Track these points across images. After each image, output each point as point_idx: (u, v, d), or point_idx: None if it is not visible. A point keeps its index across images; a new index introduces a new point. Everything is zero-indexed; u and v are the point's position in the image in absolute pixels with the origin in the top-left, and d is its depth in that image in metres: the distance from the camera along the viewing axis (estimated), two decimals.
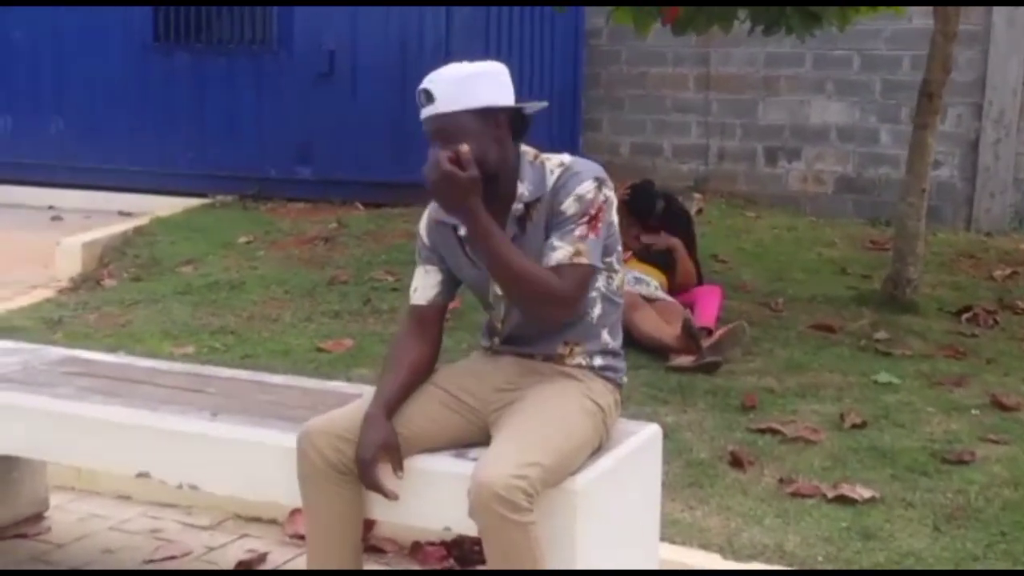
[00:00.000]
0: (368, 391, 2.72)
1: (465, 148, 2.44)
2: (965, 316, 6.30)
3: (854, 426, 4.18)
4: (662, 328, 5.30)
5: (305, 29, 9.00)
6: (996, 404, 4.58)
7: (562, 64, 10.36)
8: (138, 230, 7.52)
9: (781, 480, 3.67)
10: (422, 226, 2.78)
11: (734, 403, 4.52)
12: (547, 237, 2.53)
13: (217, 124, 9.32)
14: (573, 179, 2.54)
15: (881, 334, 5.77)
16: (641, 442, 2.78)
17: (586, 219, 2.51)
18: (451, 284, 2.76)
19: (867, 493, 3.54)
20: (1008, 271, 7.42)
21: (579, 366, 2.65)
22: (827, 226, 8.96)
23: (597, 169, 2.60)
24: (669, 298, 5.74)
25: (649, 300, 5.59)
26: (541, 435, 2.39)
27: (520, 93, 8.52)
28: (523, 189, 2.57)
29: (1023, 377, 5.07)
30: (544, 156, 2.65)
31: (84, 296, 6.19)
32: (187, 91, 9.41)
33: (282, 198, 8.94)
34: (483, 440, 2.54)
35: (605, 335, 2.69)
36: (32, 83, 9.87)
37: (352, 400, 2.72)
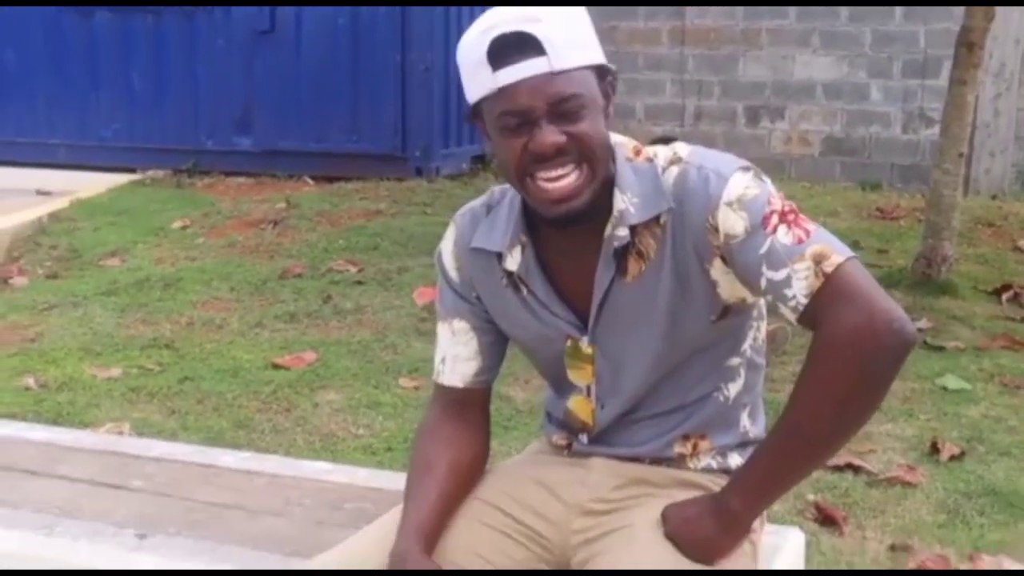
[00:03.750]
0: (385, 487, 1.81)
1: None
2: (1005, 296, 5.57)
3: (952, 458, 3.39)
4: None
5: None
6: None
7: None
8: (55, 216, 6.53)
9: (893, 547, 2.85)
10: (446, 255, 1.80)
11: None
12: (706, 281, 1.62)
13: (145, 91, 8.35)
14: (712, 184, 1.58)
15: (923, 322, 5.02)
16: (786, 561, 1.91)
17: (775, 218, 1.54)
18: (497, 347, 1.80)
19: (1014, 565, 2.74)
20: None
21: (708, 470, 1.72)
22: (824, 193, 8.20)
23: (733, 158, 1.65)
24: None
25: None
26: None
27: None
28: (624, 203, 1.61)
29: None
30: (648, 150, 1.66)
31: None
32: (110, 54, 8.41)
33: (220, 172, 8.03)
34: None
35: (744, 420, 1.74)
36: None
37: (357, 507, 1.83)
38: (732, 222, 1.56)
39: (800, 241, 1.53)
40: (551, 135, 1.53)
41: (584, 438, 1.77)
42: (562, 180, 1.56)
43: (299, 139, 8.04)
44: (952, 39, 6.46)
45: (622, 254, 1.64)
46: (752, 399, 1.77)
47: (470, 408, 1.79)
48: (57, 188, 7.49)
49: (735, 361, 1.72)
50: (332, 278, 5.37)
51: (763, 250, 1.53)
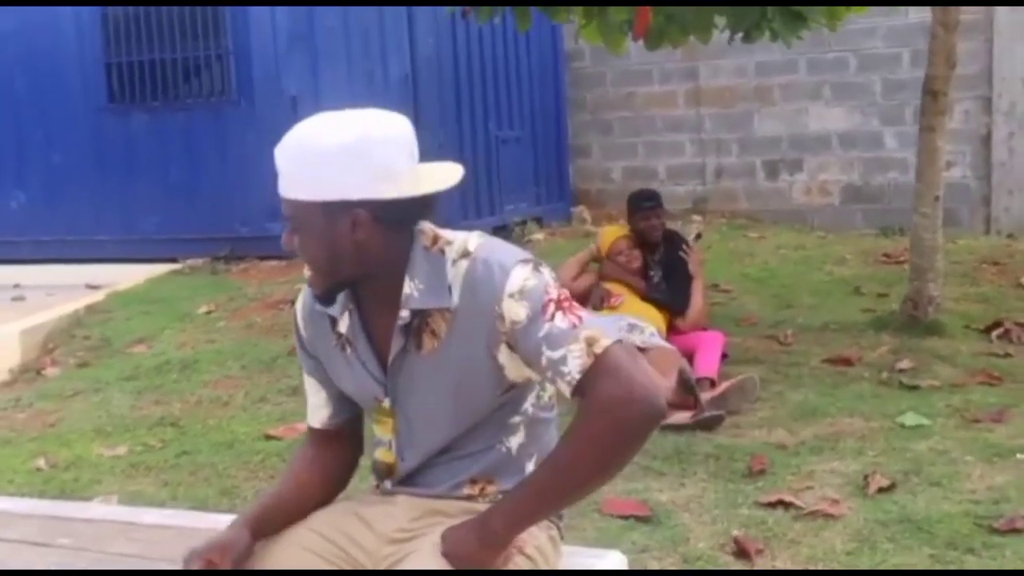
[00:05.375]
0: None
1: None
2: (995, 333, 5.70)
3: (881, 490, 3.55)
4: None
5: (264, 77, 8.46)
6: None
7: (541, 88, 9.82)
8: (91, 308, 6.95)
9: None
10: (298, 319, 2.09)
11: (740, 467, 3.91)
12: (493, 364, 1.85)
13: (181, 184, 8.78)
14: (496, 278, 1.81)
15: (904, 363, 5.17)
16: None
17: (552, 306, 1.79)
18: (344, 397, 2.06)
19: None
20: None
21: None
22: (836, 241, 8.35)
23: (516, 251, 1.88)
24: (666, 344, 5.14)
25: (643, 349, 4.99)
26: None
27: (496, 122, 7.80)
28: (411, 289, 1.87)
29: None
30: (445, 239, 1.91)
31: (19, 391, 5.61)
32: (148, 152, 8.87)
33: (255, 257, 8.38)
34: None
35: (531, 467, 1.96)
36: None
37: None
38: (516, 311, 1.79)
39: (574, 326, 1.77)
40: (285, 236, 1.88)
41: (388, 483, 2.04)
42: (307, 270, 1.92)
43: None
44: (958, 83, 6.63)
45: (416, 330, 1.90)
46: (539, 448, 1.99)
47: (330, 441, 2.09)
48: (105, 281, 7.94)
49: (516, 419, 1.95)
50: None
51: (542, 333, 1.77)
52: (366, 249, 1.84)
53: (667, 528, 3.39)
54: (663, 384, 1.37)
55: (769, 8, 4.94)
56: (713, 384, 4.82)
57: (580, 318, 1.79)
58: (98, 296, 7.23)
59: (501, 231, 8.91)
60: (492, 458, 1.96)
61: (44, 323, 6.49)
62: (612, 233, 5.77)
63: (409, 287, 1.87)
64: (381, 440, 2.03)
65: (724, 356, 5.30)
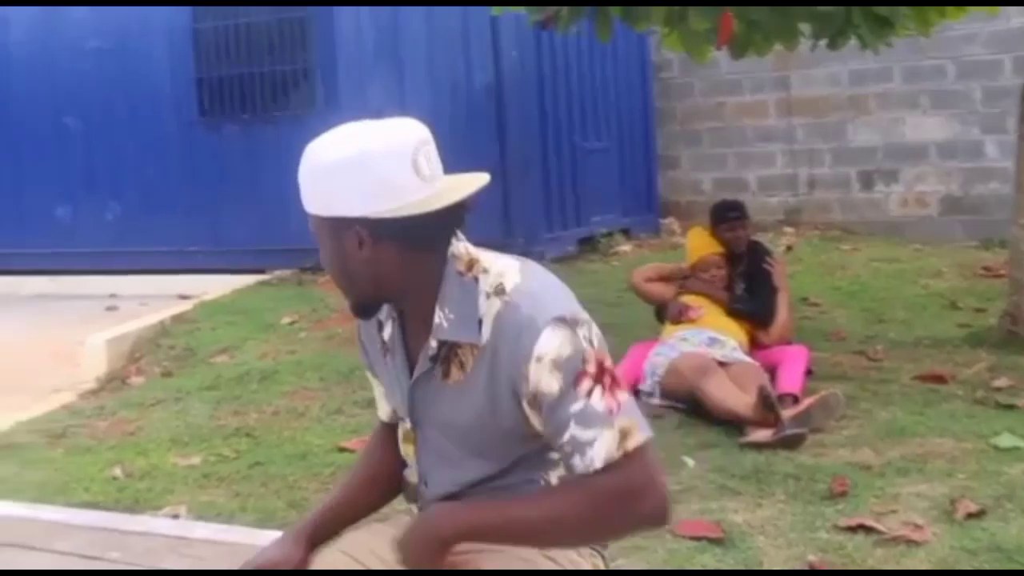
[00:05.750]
0: None
1: None
2: None
3: (970, 516, 3.37)
4: (736, 397, 4.56)
5: (349, 89, 8.53)
6: None
7: (628, 99, 9.70)
8: (178, 318, 7.03)
9: None
10: (359, 322, 2.00)
11: (820, 488, 3.76)
12: (518, 411, 1.73)
13: (269, 196, 8.83)
14: (524, 335, 1.68)
15: (1001, 381, 4.95)
16: None
17: (589, 380, 1.66)
18: None
19: None
20: None
21: None
22: (933, 254, 8.08)
23: (555, 302, 1.72)
24: (748, 359, 5.00)
25: (723, 364, 4.87)
26: None
27: (582, 133, 7.71)
28: (440, 318, 1.77)
29: None
30: (482, 265, 1.78)
31: (104, 399, 5.68)
32: (238, 164, 9.00)
33: None
34: None
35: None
36: (87, 170, 9.59)
37: None
38: (546, 382, 1.66)
39: (611, 412, 1.66)
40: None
41: (414, 508, 1.97)
42: None
43: None
44: None
45: (444, 358, 1.80)
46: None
47: (394, 435, 2.03)
48: (196, 291, 8.05)
49: (554, 456, 1.80)
50: None
51: (575, 409, 1.66)
52: (378, 268, 1.74)
53: (740, 551, 3.27)
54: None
55: (855, 14, 4.78)
56: (796, 400, 4.66)
57: (619, 404, 1.68)
58: (185, 306, 7.32)
59: (587, 243, 8.83)
60: (531, 491, 1.84)
61: (130, 332, 6.57)
62: (700, 239, 5.61)
63: (439, 316, 1.78)
64: (408, 461, 1.97)
65: (809, 372, 5.15)
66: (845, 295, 6.91)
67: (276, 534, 2.49)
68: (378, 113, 7.24)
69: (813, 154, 9.79)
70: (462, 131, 8.16)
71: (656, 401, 4.91)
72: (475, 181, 1.78)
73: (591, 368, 1.67)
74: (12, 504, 3.04)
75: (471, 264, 1.79)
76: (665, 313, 5.42)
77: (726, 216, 5.53)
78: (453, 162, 7.54)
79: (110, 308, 8.39)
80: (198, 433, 4.85)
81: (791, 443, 4.22)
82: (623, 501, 1.66)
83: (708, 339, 5.06)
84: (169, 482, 4.24)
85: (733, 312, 5.32)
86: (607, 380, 1.68)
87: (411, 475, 1.97)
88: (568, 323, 1.69)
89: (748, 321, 5.32)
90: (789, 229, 9.36)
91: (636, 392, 5.00)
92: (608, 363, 1.70)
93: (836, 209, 9.74)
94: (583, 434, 1.66)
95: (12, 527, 2.69)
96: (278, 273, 8.56)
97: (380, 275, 1.76)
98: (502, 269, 1.78)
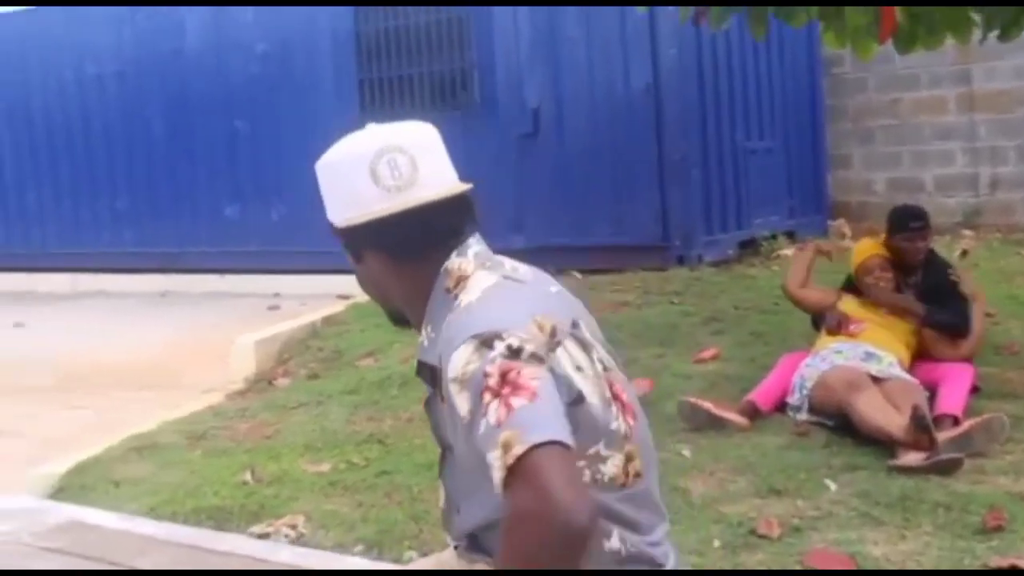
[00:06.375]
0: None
1: None
2: None
3: None
4: (889, 415, 4.26)
5: (507, 89, 8.47)
6: None
7: (796, 96, 9.32)
8: (329, 319, 7.09)
9: None
10: None
11: (974, 521, 3.45)
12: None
13: None
14: (445, 357, 1.58)
15: None
16: None
17: (489, 394, 1.50)
18: None
19: None
20: None
21: None
22: None
23: (481, 320, 1.59)
24: (906, 376, 4.67)
25: (878, 380, 4.55)
26: None
27: (745, 132, 7.43)
28: (424, 336, 1.73)
29: None
30: (467, 284, 1.69)
31: (249, 401, 5.74)
32: None
33: None
34: None
35: (613, 543, 1.67)
36: (254, 170, 9.83)
37: None
38: (459, 402, 1.54)
39: (498, 424, 1.47)
40: None
41: (449, 539, 1.83)
42: None
43: (567, 234, 8.28)
44: None
45: (434, 379, 1.67)
46: (622, 522, 1.69)
47: None
48: (355, 292, 8.12)
49: None
50: None
51: (480, 432, 1.50)
52: (374, 278, 1.77)
53: None
54: (584, 497, 1.17)
55: None
56: (956, 422, 4.33)
57: (508, 411, 1.47)
58: (338, 308, 7.37)
59: (748, 245, 8.52)
60: None
61: (281, 333, 6.66)
62: (865, 249, 5.28)
63: (423, 334, 1.70)
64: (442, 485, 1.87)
65: (975, 389, 4.78)
66: (1022, 304, 6.43)
67: (356, 560, 2.40)
68: (534, 113, 7.15)
69: (996, 152, 9.21)
70: (620, 130, 8.00)
71: (803, 416, 4.64)
72: (443, 189, 1.75)
73: (492, 381, 1.51)
74: (111, 515, 3.04)
75: (459, 281, 1.71)
76: (822, 321, 5.13)
77: (907, 225, 5.14)
78: (610, 161, 7.42)
79: (272, 307, 8.56)
80: (332, 439, 4.83)
81: (945, 468, 3.91)
82: (527, 524, 1.42)
83: (864, 353, 4.75)
84: (296, 489, 4.23)
85: (930, 324, 4.95)
86: (506, 389, 1.49)
87: (441, 500, 1.83)
88: (482, 339, 1.55)
89: (944, 334, 4.95)
90: (968, 232, 8.82)
91: (783, 406, 4.75)
92: (516, 373, 1.50)
93: (1020, 211, 9.14)
94: (488, 457, 1.48)
95: (106, 540, 2.69)
96: None
97: (379, 285, 1.79)
98: (475, 285, 1.68)
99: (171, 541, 2.64)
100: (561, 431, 1.47)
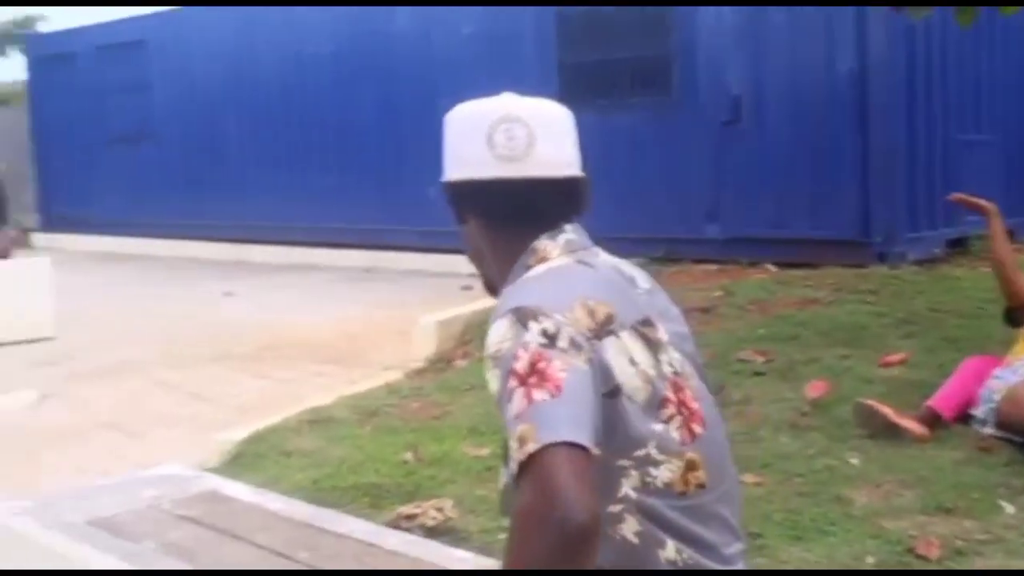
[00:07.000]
0: None
1: None
2: None
3: None
4: None
5: (708, 76, 8.31)
6: None
7: (1017, 88, 8.76)
8: None
9: None
10: None
11: None
12: None
13: (622, 183, 8.81)
14: (491, 321, 1.58)
15: None
16: None
17: (515, 379, 1.45)
18: None
19: None
20: None
21: None
22: None
23: (523, 295, 1.57)
24: None
25: None
26: None
27: (959, 125, 7.12)
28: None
29: None
30: (547, 263, 1.68)
31: (425, 380, 5.84)
32: (592, 150, 8.90)
33: (689, 260, 8.23)
34: None
35: (668, 555, 1.59)
36: None
37: None
38: (491, 379, 1.53)
39: (518, 416, 1.42)
40: None
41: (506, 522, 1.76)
42: None
43: (762, 226, 8.08)
44: None
45: None
46: (677, 533, 1.60)
47: None
48: None
49: (616, 508, 1.58)
50: (734, 368, 5.35)
51: (505, 416, 1.46)
52: (475, 243, 1.78)
53: None
54: (586, 496, 1.09)
55: None
56: None
57: (530, 401, 1.41)
58: None
59: (957, 244, 8.08)
60: (610, 548, 1.58)
61: (462, 314, 6.74)
62: None
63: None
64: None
65: None
66: None
67: (467, 555, 2.40)
68: (735, 101, 7.01)
69: None
70: (823, 119, 7.73)
71: (989, 431, 4.36)
72: (553, 171, 1.74)
73: (520, 366, 1.46)
74: (245, 487, 3.15)
75: (540, 261, 1.69)
76: (1019, 316, 4.80)
77: None
78: (812, 151, 7.17)
79: (465, 288, 8.69)
80: (496, 423, 4.83)
81: None
82: (526, 528, 1.36)
83: None
84: (453, 472, 4.27)
85: None
86: (532, 379, 1.44)
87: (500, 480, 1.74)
88: (519, 315, 1.52)
89: None
90: None
91: (966, 417, 4.48)
92: (546, 362, 1.45)
93: None
94: (510, 444, 1.43)
95: (234, 512, 2.78)
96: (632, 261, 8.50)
97: (475, 249, 1.80)
98: (546, 265, 1.68)
99: (292, 519, 2.71)
100: (579, 433, 1.41)
